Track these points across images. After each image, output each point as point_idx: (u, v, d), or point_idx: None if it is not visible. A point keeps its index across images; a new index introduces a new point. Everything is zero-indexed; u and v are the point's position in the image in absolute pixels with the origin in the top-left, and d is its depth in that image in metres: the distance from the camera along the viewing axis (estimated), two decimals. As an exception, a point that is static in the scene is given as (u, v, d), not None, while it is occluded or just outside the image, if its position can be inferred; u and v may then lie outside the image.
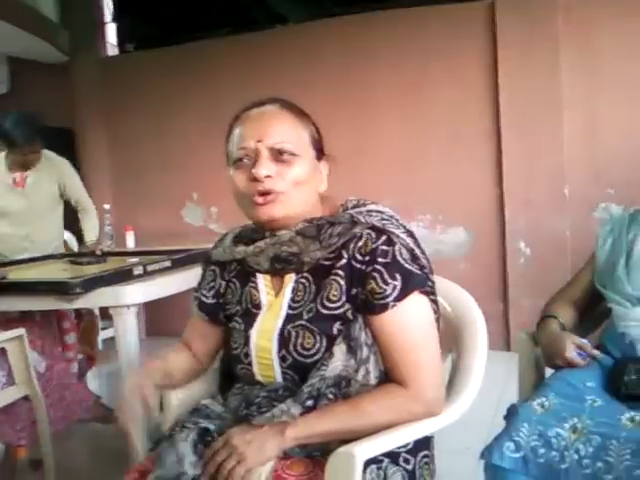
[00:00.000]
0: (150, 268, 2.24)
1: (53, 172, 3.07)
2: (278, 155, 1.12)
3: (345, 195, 1.25)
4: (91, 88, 4.64)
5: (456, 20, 3.72)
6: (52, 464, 2.15)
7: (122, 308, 2.04)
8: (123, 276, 2.12)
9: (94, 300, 2.06)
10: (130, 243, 4.14)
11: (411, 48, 3.81)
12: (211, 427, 1.13)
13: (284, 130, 1.13)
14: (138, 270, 2.18)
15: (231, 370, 1.25)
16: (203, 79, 4.31)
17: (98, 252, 2.83)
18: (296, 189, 1.13)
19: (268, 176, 1.10)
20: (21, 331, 2.07)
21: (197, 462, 1.08)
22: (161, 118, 4.44)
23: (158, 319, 4.38)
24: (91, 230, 3.22)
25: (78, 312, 2.82)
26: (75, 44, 4.61)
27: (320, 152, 1.20)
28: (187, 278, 2.34)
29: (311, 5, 5.27)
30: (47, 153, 3.10)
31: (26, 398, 2.10)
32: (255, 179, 1.10)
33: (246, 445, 1.02)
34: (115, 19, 4.95)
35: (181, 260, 2.44)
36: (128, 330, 2.07)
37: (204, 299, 1.30)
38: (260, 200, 1.11)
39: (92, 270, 2.37)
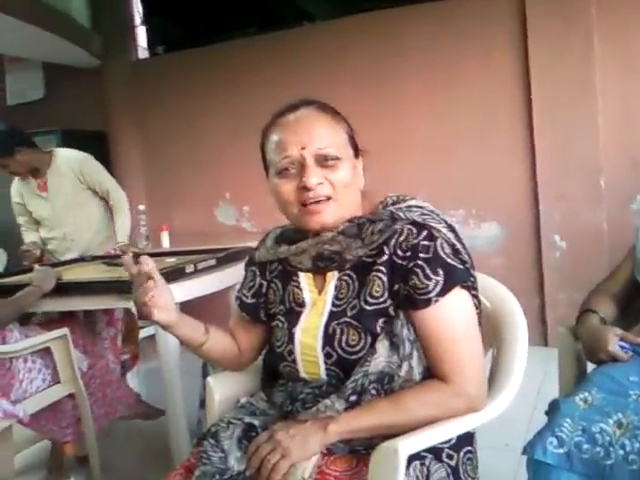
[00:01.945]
0: (200, 266, 2.30)
1: (69, 169, 3.11)
2: (323, 161, 1.12)
3: (377, 192, 1.26)
4: (123, 91, 4.72)
5: (486, 13, 3.68)
6: (97, 460, 2.21)
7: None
8: (176, 275, 2.17)
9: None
10: (165, 243, 4.21)
11: (440, 42, 3.78)
12: (256, 423, 1.15)
13: (325, 134, 1.13)
14: (190, 268, 2.24)
15: (273, 367, 1.26)
16: (233, 78, 4.35)
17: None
18: (345, 192, 1.14)
19: (319, 183, 1.11)
20: (65, 330, 2.13)
21: (242, 458, 1.10)
22: (192, 118, 4.50)
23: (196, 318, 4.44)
24: (120, 230, 3.19)
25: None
26: (107, 48, 4.69)
27: (356, 149, 1.21)
28: (226, 276, 2.39)
29: (338, 2, 5.27)
30: (62, 151, 3.19)
31: (71, 396, 2.16)
32: (304, 187, 1.11)
33: (290, 439, 1.04)
34: (145, 22, 5.01)
35: (223, 259, 2.49)
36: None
37: (244, 299, 1.32)
38: (311, 208, 1.12)
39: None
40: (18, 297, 2.05)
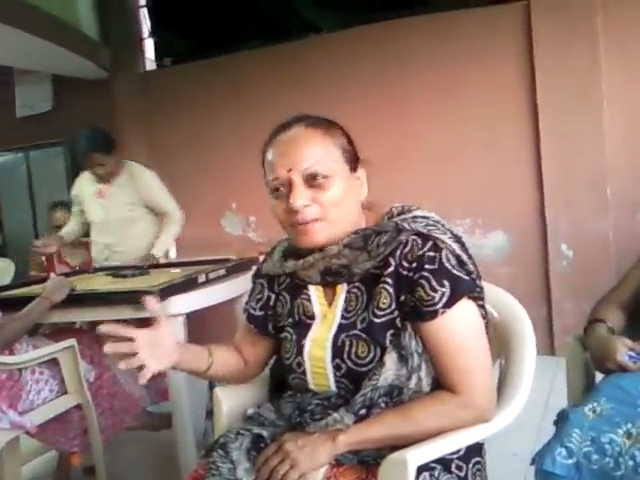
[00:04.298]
0: (210, 277, 2.33)
1: (129, 183, 3.14)
2: (311, 180, 1.11)
3: (383, 202, 1.25)
4: (131, 103, 4.76)
5: (491, 22, 3.70)
6: (104, 471, 2.20)
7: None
8: (190, 285, 2.21)
9: (164, 308, 2.10)
10: (172, 253, 4.20)
11: (446, 52, 3.80)
12: (264, 434, 1.15)
13: (313, 153, 1.11)
14: (202, 278, 2.27)
15: (281, 379, 1.26)
16: (239, 90, 4.38)
17: (144, 265, 2.89)
18: (335, 210, 1.12)
19: (306, 205, 1.10)
20: (72, 341, 2.13)
21: (251, 468, 1.10)
22: (199, 130, 4.53)
23: (198, 328, 4.44)
24: (158, 244, 3.15)
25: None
26: (115, 60, 4.74)
27: (354, 162, 1.18)
28: (234, 286, 2.43)
29: (344, 13, 5.29)
30: (130, 164, 3.22)
31: (78, 407, 2.15)
32: (291, 210, 1.10)
33: (299, 450, 1.04)
34: (152, 35, 5.06)
35: (232, 269, 2.53)
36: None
37: (252, 311, 1.32)
38: (301, 229, 1.12)
39: (138, 282, 2.42)
40: (27, 311, 2.05)
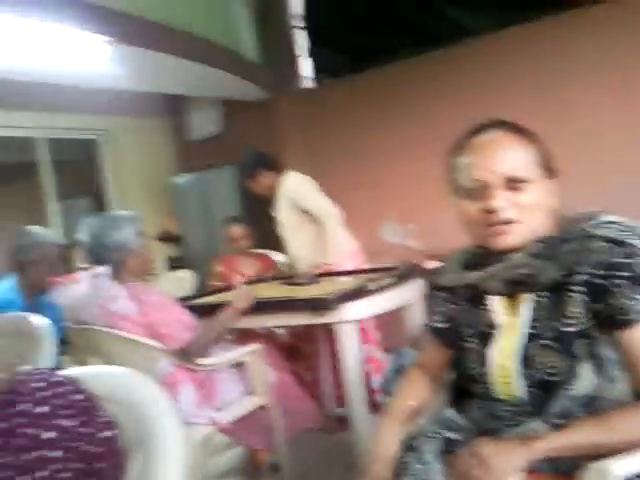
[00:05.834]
0: (380, 284, 2.40)
1: (287, 192, 3.27)
2: (511, 183, 1.13)
3: (562, 208, 1.22)
4: (291, 120, 4.99)
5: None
6: (289, 468, 2.34)
7: (346, 323, 2.19)
8: (362, 292, 2.31)
9: (340, 314, 2.22)
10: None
11: (617, 45, 3.54)
12: (456, 438, 1.18)
13: (514, 157, 1.14)
14: (372, 286, 2.35)
15: (463, 387, 1.28)
16: (395, 101, 4.41)
17: (304, 277, 2.93)
18: (531, 215, 1.13)
19: (503, 207, 1.12)
20: (258, 346, 2.31)
21: (443, 471, 1.13)
22: (357, 143, 4.62)
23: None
24: (325, 253, 3.16)
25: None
26: (275, 81, 5.00)
27: (549, 170, 1.19)
28: (405, 294, 2.50)
29: (494, 14, 5.15)
30: (289, 174, 3.32)
31: (262, 407, 2.31)
32: (489, 210, 1.13)
33: (494, 455, 1.06)
34: (309, 53, 5.28)
35: (400, 277, 2.57)
36: (351, 343, 2.23)
37: (437, 325, 1.34)
38: (496, 229, 1.13)
39: (314, 290, 2.56)
40: (219, 320, 2.25)
